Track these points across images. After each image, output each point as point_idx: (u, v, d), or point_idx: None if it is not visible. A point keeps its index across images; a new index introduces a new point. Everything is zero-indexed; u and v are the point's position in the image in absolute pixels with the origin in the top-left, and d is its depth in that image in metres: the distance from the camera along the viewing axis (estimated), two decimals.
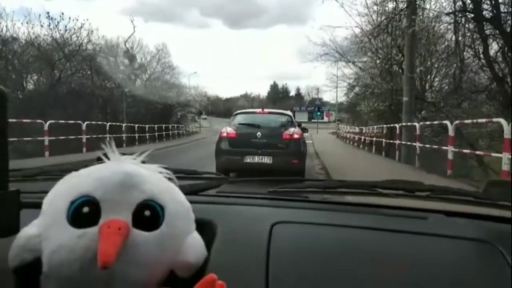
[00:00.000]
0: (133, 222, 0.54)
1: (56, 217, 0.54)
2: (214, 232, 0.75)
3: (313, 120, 71.36)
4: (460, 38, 13.78)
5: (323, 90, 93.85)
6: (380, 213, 0.94)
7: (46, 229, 0.55)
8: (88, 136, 13.45)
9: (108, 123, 15.43)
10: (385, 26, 12.74)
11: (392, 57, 15.54)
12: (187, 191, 0.75)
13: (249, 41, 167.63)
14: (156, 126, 22.71)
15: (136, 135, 19.42)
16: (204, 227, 0.72)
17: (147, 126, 21.14)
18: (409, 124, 10.69)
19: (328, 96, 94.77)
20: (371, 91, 16.93)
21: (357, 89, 27.94)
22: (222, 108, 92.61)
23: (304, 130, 8.01)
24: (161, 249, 0.55)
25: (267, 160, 6.73)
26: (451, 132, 7.46)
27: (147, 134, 21.14)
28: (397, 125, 11.63)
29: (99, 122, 15.22)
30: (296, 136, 6.96)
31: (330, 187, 1.15)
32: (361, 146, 19.35)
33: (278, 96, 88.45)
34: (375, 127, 17.23)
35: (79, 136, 13.04)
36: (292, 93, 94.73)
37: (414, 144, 9.65)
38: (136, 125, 19.56)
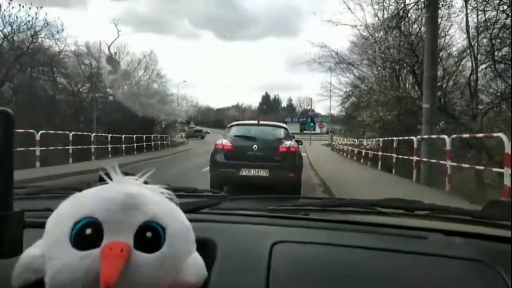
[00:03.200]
0: (135, 243, 0.54)
1: (59, 238, 0.55)
2: (214, 251, 0.75)
3: (305, 132, 69.82)
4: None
5: (317, 100, 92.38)
6: (380, 232, 0.92)
7: (49, 250, 0.55)
8: (43, 148, 11.27)
9: (72, 133, 13.18)
10: (399, 20, 10.80)
11: (401, 58, 13.54)
12: (188, 209, 0.78)
13: (241, 52, 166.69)
14: (135, 136, 20.50)
15: (109, 146, 17.23)
16: (205, 247, 0.72)
17: (123, 136, 18.98)
18: (433, 136, 8.68)
19: (321, 108, 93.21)
20: (375, 99, 14.89)
21: (353, 98, 26.27)
22: (213, 119, 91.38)
23: (298, 142, 7.73)
24: (162, 270, 0.56)
25: (263, 173, 6.61)
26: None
27: (123, 145, 18.94)
28: (414, 138, 9.61)
29: (60, 132, 12.92)
30: (292, 149, 6.86)
31: (329, 205, 1.19)
32: (361, 160, 17.49)
33: (269, 107, 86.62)
34: (380, 139, 15.32)
35: (31, 148, 10.80)
36: (284, 104, 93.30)
37: (441, 162, 7.67)
38: (110, 135, 17.38)
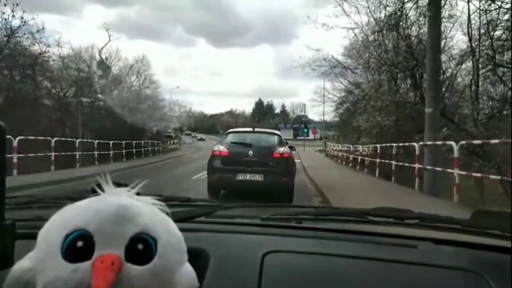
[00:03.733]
0: (126, 256, 0.54)
1: (51, 250, 0.54)
2: (206, 261, 0.76)
3: (298, 138, 69.32)
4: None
5: (311, 105, 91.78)
6: (372, 241, 0.93)
7: (40, 262, 0.55)
8: (21, 155, 10.57)
9: (54, 139, 12.48)
10: (398, 19, 10.30)
11: (399, 61, 13.05)
12: (181, 219, 0.82)
13: (235, 59, 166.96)
14: (124, 142, 19.79)
15: (96, 152, 16.54)
16: (197, 257, 0.72)
17: (111, 142, 18.30)
18: (438, 143, 8.15)
19: (314, 114, 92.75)
20: (372, 104, 14.36)
21: (347, 104, 25.86)
22: (207, 124, 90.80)
23: (291, 148, 8.08)
24: (153, 282, 0.55)
25: (258, 177, 6.94)
26: None
27: (111, 152, 18.24)
28: (415, 144, 9.08)
29: (40, 138, 12.21)
30: (285, 155, 7.22)
31: (322, 214, 1.20)
32: (357, 167, 17.00)
33: (263, 113, 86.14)
34: (377, 145, 14.83)
35: (8, 155, 10.09)
36: (278, 110, 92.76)
37: (448, 170, 7.13)
38: (96, 141, 16.69)
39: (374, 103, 14.14)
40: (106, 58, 26.38)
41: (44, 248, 0.55)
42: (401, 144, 10.76)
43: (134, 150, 21.28)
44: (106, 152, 17.63)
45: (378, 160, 12.73)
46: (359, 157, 17.69)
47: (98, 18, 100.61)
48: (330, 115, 34.65)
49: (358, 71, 19.01)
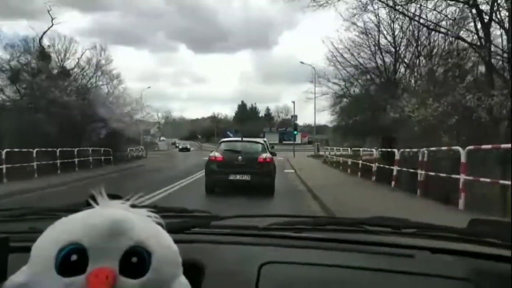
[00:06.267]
0: (120, 269, 0.53)
1: (45, 265, 0.54)
2: (202, 273, 0.75)
3: (284, 142, 64.21)
4: None
5: (303, 102, 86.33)
6: (368, 250, 0.93)
7: (34, 277, 0.55)
8: None
9: None
10: None
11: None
12: (176, 230, 0.83)
13: (216, 64, 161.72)
14: (58, 150, 14.57)
15: (4, 166, 11.40)
16: (192, 268, 0.71)
17: (35, 150, 13.17)
18: None
19: (299, 119, 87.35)
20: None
21: (346, 100, 21.36)
22: (188, 129, 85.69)
23: (273, 154, 10.44)
24: None
25: (246, 177, 8.98)
26: None
27: (34, 163, 13.08)
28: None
29: None
30: (268, 160, 9.40)
31: (319, 224, 1.18)
32: (372, 178, 12.50)
33: (246, 116, 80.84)
34: (409, 150, 10.17)
35: None
36: (262, 114, 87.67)
37: None
38: (4, 151, 11.57)
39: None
40: (49, 46, 21.22)
41: (38, 262, 0.55)
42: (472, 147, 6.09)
43: (59, 161, 14.84)
44: (22, 164, 12.48)
45: (421, 172, 8.12)
46: (374, 165, 13.14)
47: (73, 23, 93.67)
48: (322, 115, 30.30)
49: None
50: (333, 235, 1.04)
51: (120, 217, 0.56)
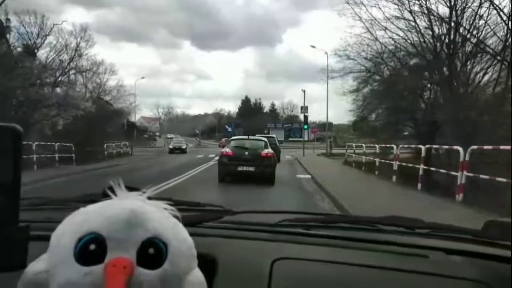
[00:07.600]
0: (137, 260, 0.54)
1: (64, 253, 0.55)
2: (215, 267, 0.76)
3: (290, 139, 60.29)
4: None
5: (317, 84, 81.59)
6: (381, 250, 0.92)
7: (53, 265, 0.56)
8: None
9: None
10: None
11: None
12: (190, 223, 0.82)
13: (220, 61, 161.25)
14: None
15: None
16: (206, 262, 0.71)
17: None
18: None
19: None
20: None
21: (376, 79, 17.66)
22: (191, 126, 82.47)
23: (274, 150, 13.22)
24: (163, 287, 0.56)
25: (251, 169, 11.35)
26: None
27: None
28: None
29: None
30: (269, 154, 11.78)
31: (331, 222, 1.18)
32: (460, 197, 8.51)
33: (250, 111, 76.95)
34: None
35: None
36: (266, 109, 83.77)
37: None
38: None
39: None
40: (8, 20, 17.83)
41: (57, 250, 0.56)
42: None
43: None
44: None
45: None
46: (463, 173, 9.53)
47: (78, 20, 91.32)
48: (324, 112, 26.18)
49: None
50: (346, 233, 1.04)
51: (139, 209, 0.57)
